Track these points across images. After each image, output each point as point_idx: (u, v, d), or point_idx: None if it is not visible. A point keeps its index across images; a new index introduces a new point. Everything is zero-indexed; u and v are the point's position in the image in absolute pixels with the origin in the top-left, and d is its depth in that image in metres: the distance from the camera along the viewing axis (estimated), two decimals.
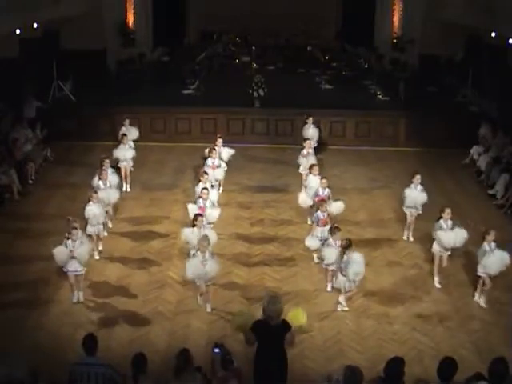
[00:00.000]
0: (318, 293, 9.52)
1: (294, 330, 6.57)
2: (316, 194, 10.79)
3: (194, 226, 9.37)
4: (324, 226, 9.89)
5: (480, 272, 9.13)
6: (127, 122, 14.06)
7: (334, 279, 9.19)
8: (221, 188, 13.07)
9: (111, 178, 11.19)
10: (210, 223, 10.20)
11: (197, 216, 9.47)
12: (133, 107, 16.42)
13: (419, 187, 10.90)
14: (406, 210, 11.13)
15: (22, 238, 11.04)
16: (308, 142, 12.94)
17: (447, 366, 5.80)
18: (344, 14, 24.26)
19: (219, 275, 9.57)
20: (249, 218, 12.08)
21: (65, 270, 9.04)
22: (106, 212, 11.03)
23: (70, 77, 17.94)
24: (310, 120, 14.22)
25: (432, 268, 10.08)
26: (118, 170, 12.41)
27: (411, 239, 11.19)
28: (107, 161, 11.49)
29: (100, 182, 10.90)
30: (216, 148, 12.59)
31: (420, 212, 11.03)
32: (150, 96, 17.63)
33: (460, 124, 16.15)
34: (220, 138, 13.10)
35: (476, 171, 14.59)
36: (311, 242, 10.04)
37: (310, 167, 11.55)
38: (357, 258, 8.72)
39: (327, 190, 10.81)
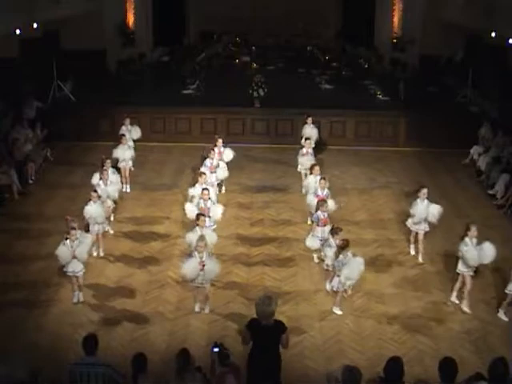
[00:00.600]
0: (318, 293, 9.52)
1: (288, 332, 6.56)
2: (315, 195, 10.80)
3: (196, 225, 9.37)
4: (324, 225, 9.89)
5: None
6: (127, 121, 14.06)
7: (332, 279, 9.16)
8: (223, 188, 13.09)
9: (112, 177, 11.21)
10: (214, 223, 10.21)
11: (199, 215, 9.47)
12: (133, 107, 16.41)
13: (425, 202, 10.22)
14: (413, 228, 10.48)
15: (22, 238, 11.04)
16: (308, 141, 12.96)
17: (447, 366, 5.81)
18: (344, 14, 24.28)
19: (219, 275, 9.58)
20: (249, 218, 12.08)
21: (64, 270, 9.05)
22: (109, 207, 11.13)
23: (69, 77, 17.94)
24: (310, 120, 14.20)
25: (432, 268, 10.08)
26: (117, 170, 12.40)
27: (420, 260, 10.43)
28: (108, 161, 11.50)
29: (100, 182, 10.92)
30: (215, 149, 12.59)
31: (428, 229, 10.39)
32: (149, 96, 17.63)
33: (460, 124, 16.15)
34: (220, 138, 13.08)
35: (476, 171, 14.58)
36: (312, 243, 10.04)
37: (311, 167, 11.54)
38: (354, 263, 8.66)
39: (326, 190, 10.81)
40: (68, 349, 7.94)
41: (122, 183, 12.87)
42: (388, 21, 21.37)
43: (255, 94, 16.65)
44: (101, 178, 10.95)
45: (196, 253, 8.60)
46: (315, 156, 13.17)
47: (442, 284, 9.79)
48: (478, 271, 9.34)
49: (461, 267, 9.02)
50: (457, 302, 9.23)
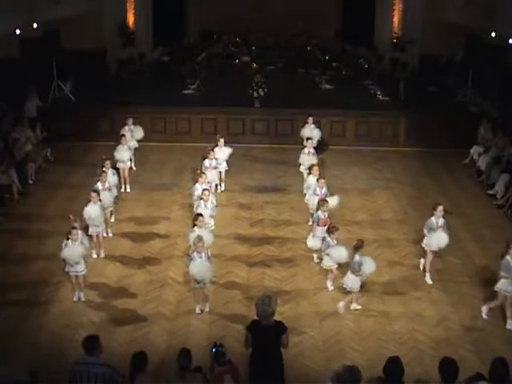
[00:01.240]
0: (318, 293, 9.52)
1: (288, 332, 6.56)
2: (315, 194, 10.81)
3: (194, 225, 9.37)
4: (324, 225, 9.89)
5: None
6: (130, 121, 14.07)
7: (343, 278, 9.12)
8: (223, 187, 13.09)
9: (110, 179, 11.20)
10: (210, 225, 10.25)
11: (197, 216, 9.47)
12: (133, 107, 16.43)
13: (441, 221, 9.64)
14: (427, 248, 9.81)
15: (22, 238, 11.04)
16: (310, 141, 12.93)
17: (447, 366, 5.81)
18: (344, 14, 24.31)
19: (219, 275, 9.59)
20: (249, 218, 12.08)
21: (66, 270, 9.06)
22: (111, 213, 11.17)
23: (69, 77, 17.94)
24: (311, 120, 14.20)
25: (432, 268, 10.07)
26: (117, 170, 12.41)
27: (429, 281, 9.84)
28: (108, 162, 11.50)
29: (99, 183, 10.91)
30: (215, 149, 12.59)
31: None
32: (150, 96, 17.62)
33: (460, 124, 16.15)
34: (221, 138, 13.06)
35: (476, 171, 14.58)
36: (313, 243, 10.05)
37: (310, 167, 11.54)
38: (369, 259, 8.87)
39: (324, 189, 10.82)
40: (68, 349, 7.93)
41: (122, 184, 12.90)
42: (388, 21, 21.39)
43: (255, 94, 16.65)
44: (99, 179, 10.93)
45: (195, 253, 8.60)
46: (317, 156, 13.15)
47: (442, 284, 9.80)
48: (477, 271, 9.35)
49: (502, 287, 8.68)
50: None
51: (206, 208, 10.20)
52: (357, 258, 8.78)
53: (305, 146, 12.95)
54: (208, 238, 9.36)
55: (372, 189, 13.67)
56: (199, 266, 8.55)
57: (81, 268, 9.02)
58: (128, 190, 13.24)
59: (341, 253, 9.21)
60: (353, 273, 8.84)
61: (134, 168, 14.19)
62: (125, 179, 13.15)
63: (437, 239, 9.57)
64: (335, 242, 9.28)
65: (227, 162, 13.00)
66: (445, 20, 18.67)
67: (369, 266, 8.80)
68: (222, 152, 12.85)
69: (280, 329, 6.48)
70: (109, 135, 15.16)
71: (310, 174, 11.46)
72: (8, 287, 9.47)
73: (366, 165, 15.13)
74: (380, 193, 13.46)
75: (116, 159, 12.80)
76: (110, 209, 11.27)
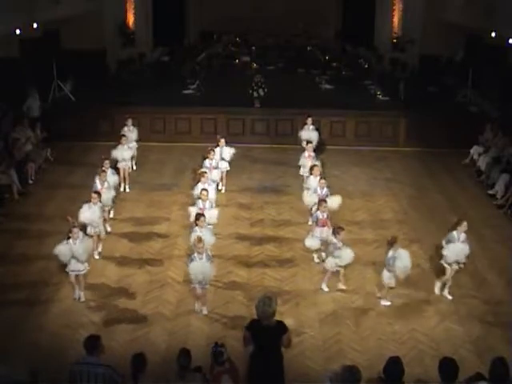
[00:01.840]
0: (318, 293, 9.51)
1: (290, 333, 6.56)
2: (315, 194, 10.80)
3: (196, 225, 9.37)
4: (323, 226, 9.89)
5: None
6: (130, 121, 14.09)
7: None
8: (223, 188, 13.08)
9: (110, 178, 11.20)
10: (210, 224, 10.21)
11: (199, 216, 9.47)
12: (133, 107, 16.44)
13: (463, 236, 9.32)
14: (448, 265, 9.39)
15: (22, 238, 11.04)
16: (310, 145, 12.83)
17: (447, 366, 5.81)
18: (344, 14, 24.32)
19: (219, 275, 9.59)
20: (249, 219, 12.08)
21: (66, 270, 9.06)
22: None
23: (69, 77, 17.94)
24: (310, 121, 14.13)
25: (432, 268, 10.07)
26: (117, 170, 12.41)
27: (449, 297, 9.44)
28: (107, 162, 11.51)
29: (98, 182, 10.91)
30: (215, 149, 12.58)
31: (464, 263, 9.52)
32: (150, 96, 17.63)
33: (460, 124, 16.15)
34: (222, 138, 13.06)
35: (476, 171, 14.59)
36: (311, 243, 10.05)
37: (311, 168, 11.53)
38: (403, 254, 8.88)
39: (325, 189, 10.83)
40: (68, 349, 7.93)
41: (121, 184, 12.90)
42: (388, 21, 21.40)
43: (255, 94, 16.66)
44: (99, 179, 10.92)
45: (196, 254, 8.60)
46: (317, 158, 13.13)
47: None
48: (477, 271, 9.35)
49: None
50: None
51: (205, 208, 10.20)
52: (390, 253, 8.86)
53: (305, 149, 12.90)
54: (209, 238, 9.36)
55: (372, 189, 13.67)
56: (199, 267, 8.54)
57: (82, 267, 9.02)
58: (128, 190, 13.24)
59: (350, 254, 9.30)
60: (387, 269, 8.93)
61: (135, 167, 14.19)
62: (124, 179, 13.15)
63: (455, 250, 9.20)
64: (341, 244, 9.28)
65: (228, 162, 13.00)
66: (445, 20, 18.68)
67: (402, 261, 8.80)
68: (226, 152, 12.85)
69: (281, 329, 6.47)
70: (109, 135, 15.16)
71: (311, 174, 11.45)
72: (8, 287, 9.46)
73: (366, 165, 15.13)
74: (380, 193, 13.47)
75: (116, 158, 12.80)
76: (108, 208, 11.27)
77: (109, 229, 11.18)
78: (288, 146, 15.32)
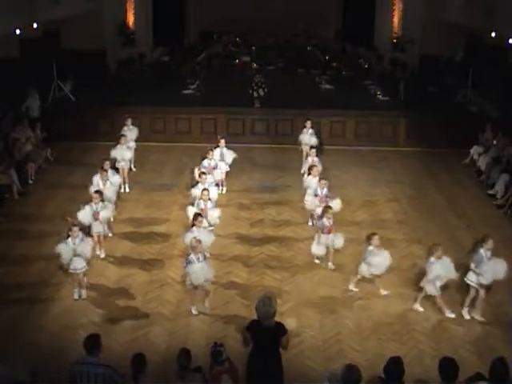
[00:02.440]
0: (318, 293, 9.51)
1: (289, 335, 6.56)
2: (315, 194, 10.80)
3: (193, 225, 9.37)
4: (329, 232, 9.87)
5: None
6: (129, 121, 14.10)
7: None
8: (224, 188, 13.08)
9: (111, 178, 11.22)
10: (211, 225, 10.21)
11: (196, 216, 9.46)
12: (133, 107, 16.44)
13: (489, 254, 8.65)
14: (480, 281, 8.69)
15: (22, 239, 11.04)
16: (313, 150, 12.70)
17: (447, 366, 5.82)
18: (344, 14, 24.34)
19: (219, 275, 9.58)
20: (249, 219, 12.08)
21: (67, 268, 9.06)
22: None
23: (69, 77, 17.94)
24: (309, 124, 14.09)
25: None
26: (116, 170, 12.40)
27: (480, 319, 8.84)
28: (107, 162, 11.53)
29: (100, 183, 10.92)
30: (214, 149, 12.58)
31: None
32: (150, 96, 17.63)
33: (460, 124, 16.15)
34: (222, 138, 13.06)
35: (476, 171, 14.59)
36: (317, 250, 10.04)
37: (310, 168, 11.53)
38: (444, 260, 8.65)
39: (325, 189, 10.82)
40: (68, 349, 7.93)
41: (121, 184, 12.89)
42: (388, 21, 21.42)
43: (255, 94, 16.66)
44: (100, 179, 10.93)
45: (193, 255, 8.59)
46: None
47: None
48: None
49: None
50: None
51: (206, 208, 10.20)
52: (432, 259, 8.68)
53: (304, 152, 12.84)
54: (207, 238, 9.35)
55: (372, 189, 13.67)
56: (198, 269, 8.52)
57: (81, 265, 9.02)
58: (127, 190, 13.24)
59: (385, 262, 9.13)
60: (433, 279, 8.71)
61: (134, 169, 14.18)
62: (124, 179, 13.15)
63: (492, 270, 8.53)
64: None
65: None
66: (445, 20, 18.69)
67: (443, 267, 8.57)
68: (228, 156, 12.84)
69: (280, 330, 6.47)
70: (109, 135, 15.16)
71: (309, 174, 11.45)
72: (8, 288, 9.46)
73: (366, 165, 15.13)
74: (380, 193, 13.46)
75: (115, 158, 12.79)
76: (112, 205, 11.24)
77: (110, 234, 11.13)
78: (288, 146, 15.32)
